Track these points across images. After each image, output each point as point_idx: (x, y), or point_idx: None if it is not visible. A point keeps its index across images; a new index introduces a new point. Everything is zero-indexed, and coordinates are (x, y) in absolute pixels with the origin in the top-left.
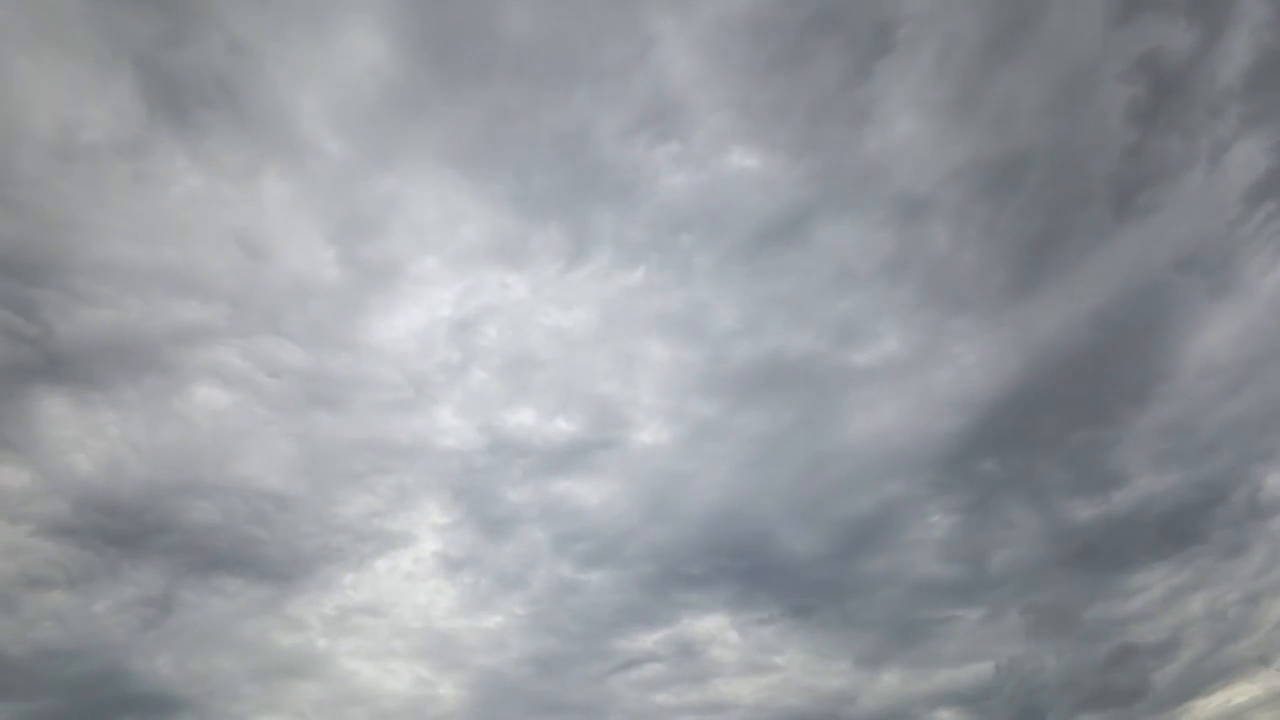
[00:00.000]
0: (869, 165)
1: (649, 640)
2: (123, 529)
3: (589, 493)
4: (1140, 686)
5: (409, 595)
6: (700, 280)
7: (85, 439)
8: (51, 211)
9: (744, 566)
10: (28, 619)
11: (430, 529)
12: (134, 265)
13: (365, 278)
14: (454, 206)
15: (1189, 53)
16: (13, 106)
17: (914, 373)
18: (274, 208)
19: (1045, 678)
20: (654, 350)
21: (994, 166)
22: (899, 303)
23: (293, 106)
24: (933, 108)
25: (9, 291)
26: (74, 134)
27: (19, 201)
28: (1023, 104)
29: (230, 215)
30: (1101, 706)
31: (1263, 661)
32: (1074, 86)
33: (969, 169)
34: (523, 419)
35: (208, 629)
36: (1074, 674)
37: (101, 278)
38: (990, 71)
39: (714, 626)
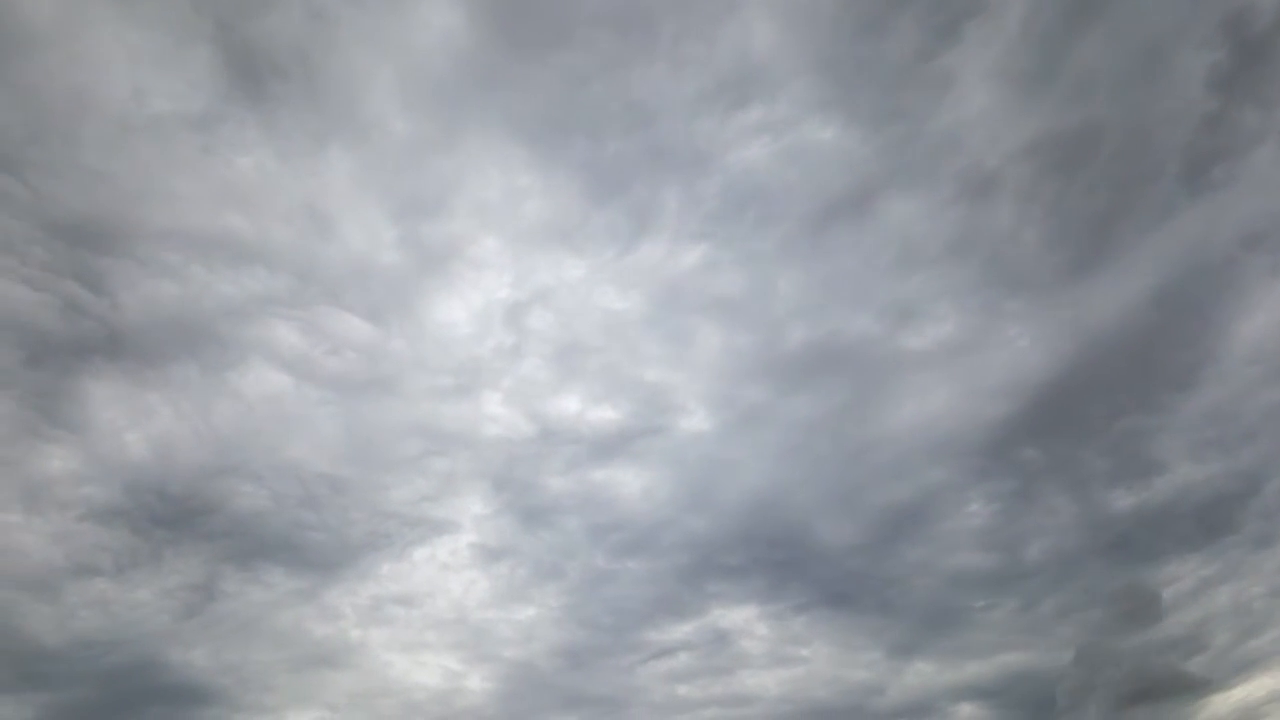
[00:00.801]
0: (943, 137)
1: (679, 632)
2: (169, 515)
3: (630, 480)
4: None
5: (444, 585)
6: (761, 261)
7: (138, 420)
8: (121, 181)
9: (778, 557)
10: (69, 608)
11: (470, 518)
12: (199, 235)
13: (424, 259)
14: (518, 185)
15: (1275, 14)
16: (86, 75)
17: (967, 356)
18: (339, 183)
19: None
20: (707, 334)
21: (1066, 140)
22: (959, 284)
23: (365, 79)
24: (1012, 77)
25: (77, 261)
26: (145, 103)
27: (89, 170)
28: (1101, 73)
29: (295, 189)
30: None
31: None
32: (1154, 53)
33: (1042, 143)
34: (569, 406)
35: (245, 619)
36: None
37: (167, 247)
38: (1072, 38)
39: (744, 618)
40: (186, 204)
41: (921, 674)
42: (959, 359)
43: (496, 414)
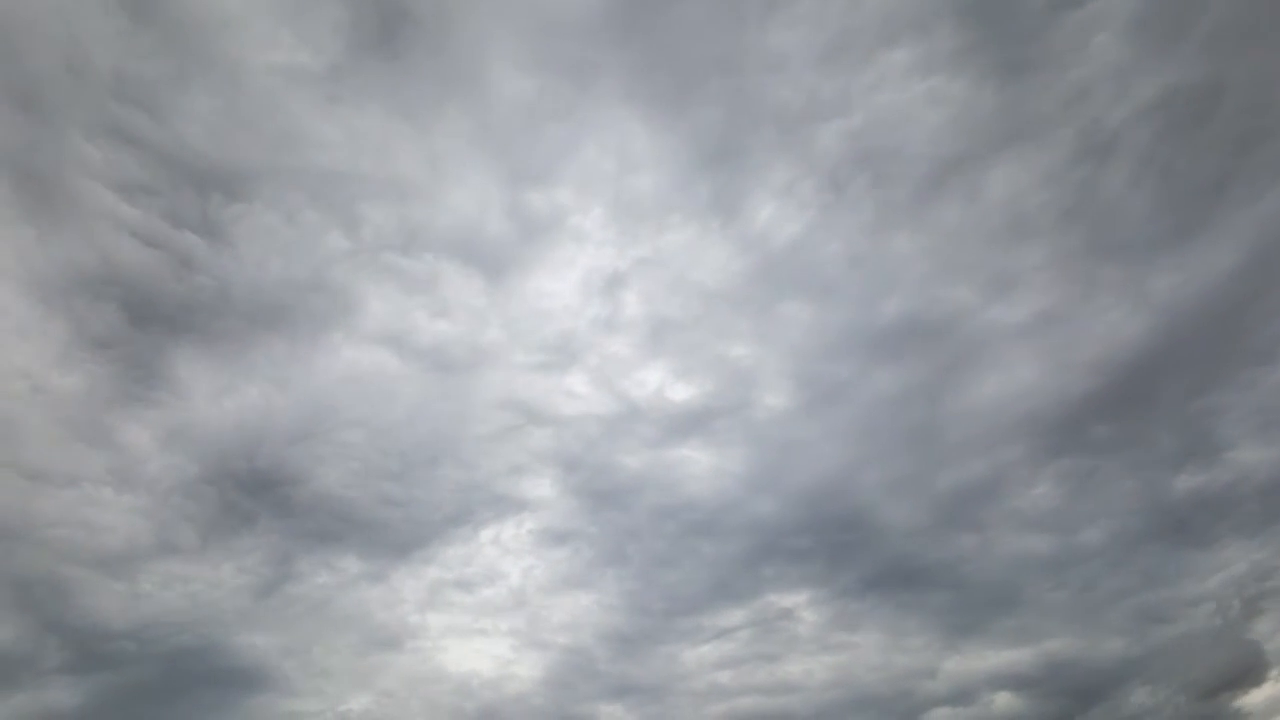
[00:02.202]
0: (1069, 94)
1: (730, 618)
2: (253, 491)
3: (703, 460)
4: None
5: (504, 570)
6: (862, 232)
7: (231, 389)
8: (251, 127)
9: (838, 540)
10: (143, 586)
11: (538, 500)
12: (320, 182)
13: (529, 228)
14: (630, 152)
15: None
16: (208, 28)
17: (1059, 329)
18: (455, 145)
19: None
20: (799, 308)
21: (1190, 97)
22: (1062, 252)
23: (489, 37)
24: (1149, 28)
25: (201, 209)
26: (278, 51)
27: (225, 116)
28: (1235, 22)
29: (412, 149)
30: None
31: None
32: None
33: (1166, 100)
34: (651, 383)
35: (315, 601)
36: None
37: (290, 192)
38: None
39: (797, 603)
40: (312, 151)
41: (967, 661)
42: (1051, 332)
43: (580, 391)
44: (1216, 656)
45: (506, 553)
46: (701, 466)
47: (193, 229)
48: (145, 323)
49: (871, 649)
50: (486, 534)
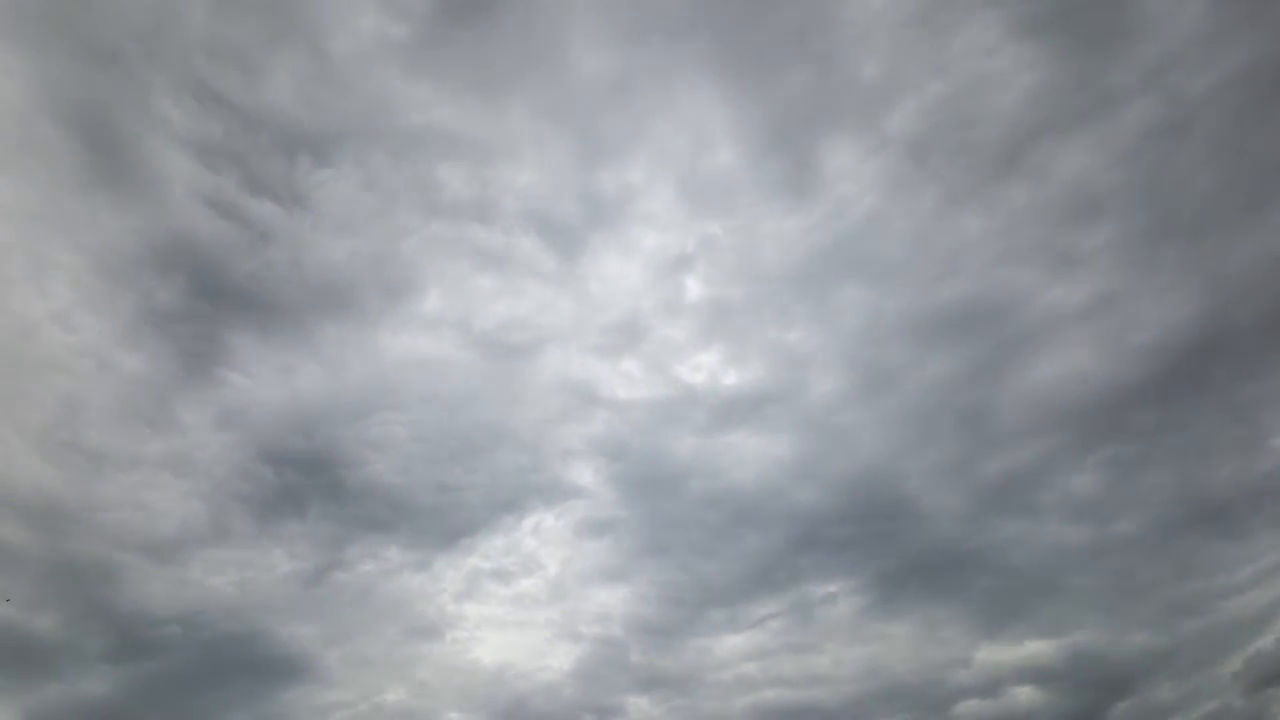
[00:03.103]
0: (1148, 67)
1: (764, 609)
2: (302, 481)
3: (751, 447)
4: None
5: (545, 561)
6: (928, 214)
7: (283, 375)
8: (342, 91)
9: (877, 530)
10: (188, 576)
11: (584, 488)
12: (397, 153)
13: (598, 208)
14: (705, 132)
15: None
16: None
17: (1117, 313)
18: (527, 120)
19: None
20: (857, 292)
21: (1268, 71)
22: (1126, 233)
23: (569, 10)
24: None
25: (286, 171)
26: (367, 23)
27: (320, 80)
28: None
29: (486, 122)
30: None
31: None
32: None
33: (1248, 74)
34: (706, 369)
35: (357, 591)
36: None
37: (367, 160)
38: None
39: (831, 593)
40: (394, 118)
41: (998, 652)
42: (1108, 315)
43: (635, 375)
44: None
45: (546, 543)
46: (749, 453)
47: (272, 197)
48: (213, 299)
49: (904, 640)
50: (528, 523)
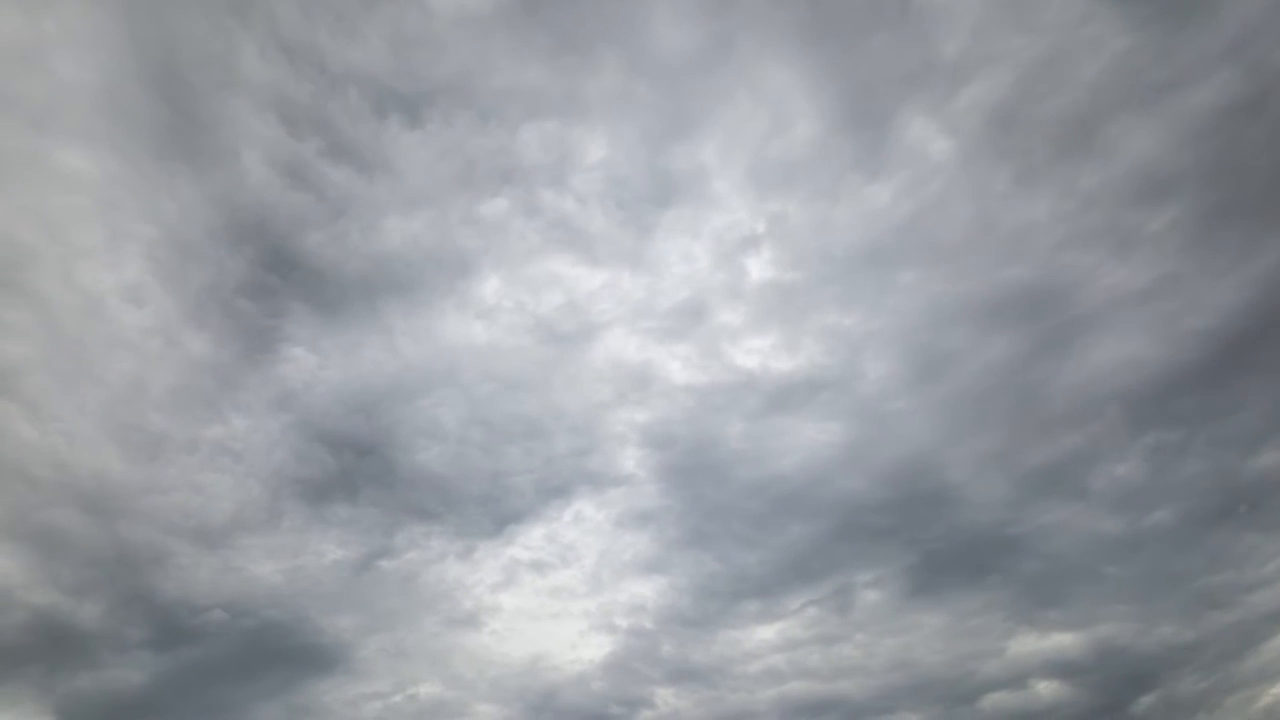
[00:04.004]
0: (1227, 40)
1: (798, 599)
2: (354, 467)
3: (800, 435)
4: None
5: (584, 551)
6: (996, 196)
7: (344, 356)
8: (417, 58)
9: (917, 519)
10: (233, 562)
11: (628, 477)
12: (483, 113)
13: (667, 189)
14: (780, 110)
15: None
16: None
17: (1175, 297)
18: (601, 97)
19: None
20: (918, 276)
21: None
22: (1189, 215)
23: None
24: None
25: (367, 137)
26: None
27: (406, 42)
28: None
29: (563, 94)
30: None
31: None
32: None
33: None
34: (760, 354)
35: (400, 580)
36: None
37: (454, 120)
38: None
39: (864, 583)
40: (478, 81)
41: (1024, 645)
42: (1166, 299)
43: (690, 360)
44: None
45: (587, 533)
46: (798, 440)
47: (353, 164)
48: (282, 273)
49: (935, 631)
50: (570, 513)
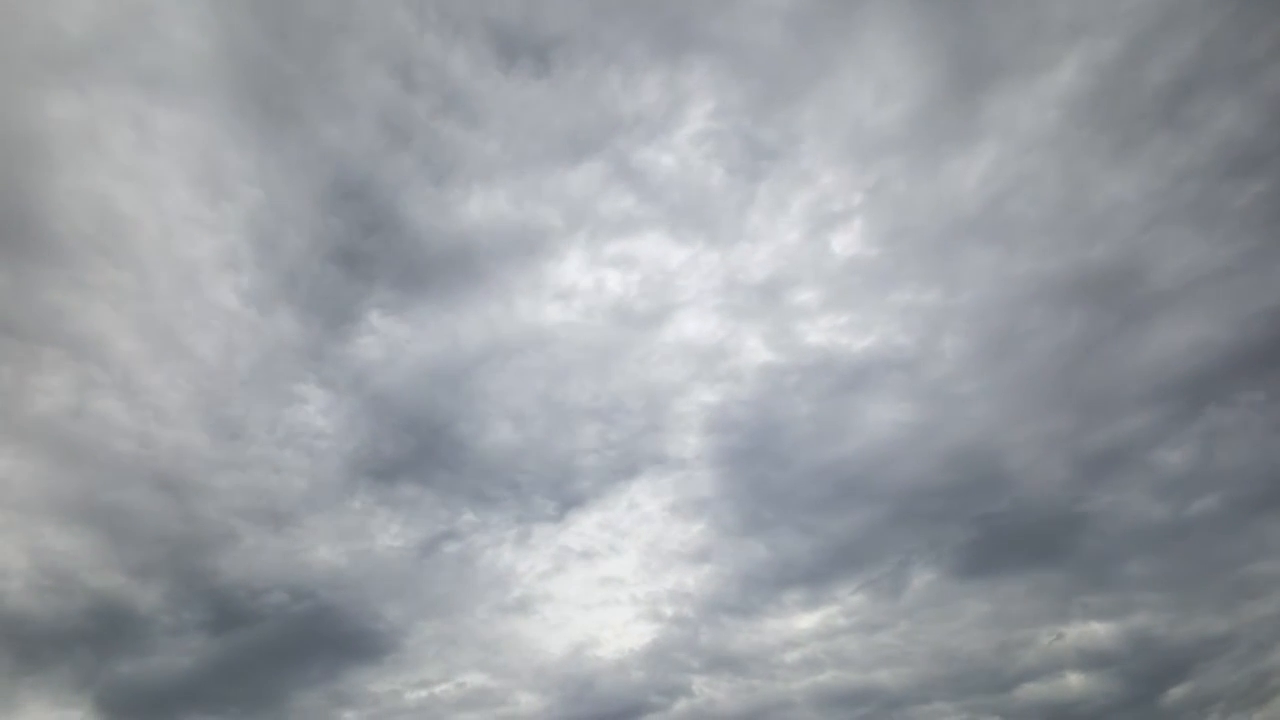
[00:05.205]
0: None
1: (843, 588)
2: (422, 451)
3: (867, 416)
4: None
5: (637, 538)
6: (1084, 172)
7: (415, 336)
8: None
9: (969, 505)
10: (298, 545)
11: (688, 461)
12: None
13: (761, 159)
14: (878, 83)
15: None
16: None
17: (1249, 276)
18: (699, 78)
19: None
20: (1000, 254)
21: None
22: (1273, 193)
23: None
24: None
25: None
26: None
27: None
28: None
29: (664, 55)
30: None
31: None
32: None
33: None
34: (835, 334)
35: (458, 566)
36: None
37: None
38: None
39: (910, 571)
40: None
41: (1069, 633)
42: (1241, 278)
43: (765, 340)
44: None
45: (640, 521)
46: (865, 422)
47: (465, 120)
48: (380, 240)
49: (975, 620)
50: (625, 500)
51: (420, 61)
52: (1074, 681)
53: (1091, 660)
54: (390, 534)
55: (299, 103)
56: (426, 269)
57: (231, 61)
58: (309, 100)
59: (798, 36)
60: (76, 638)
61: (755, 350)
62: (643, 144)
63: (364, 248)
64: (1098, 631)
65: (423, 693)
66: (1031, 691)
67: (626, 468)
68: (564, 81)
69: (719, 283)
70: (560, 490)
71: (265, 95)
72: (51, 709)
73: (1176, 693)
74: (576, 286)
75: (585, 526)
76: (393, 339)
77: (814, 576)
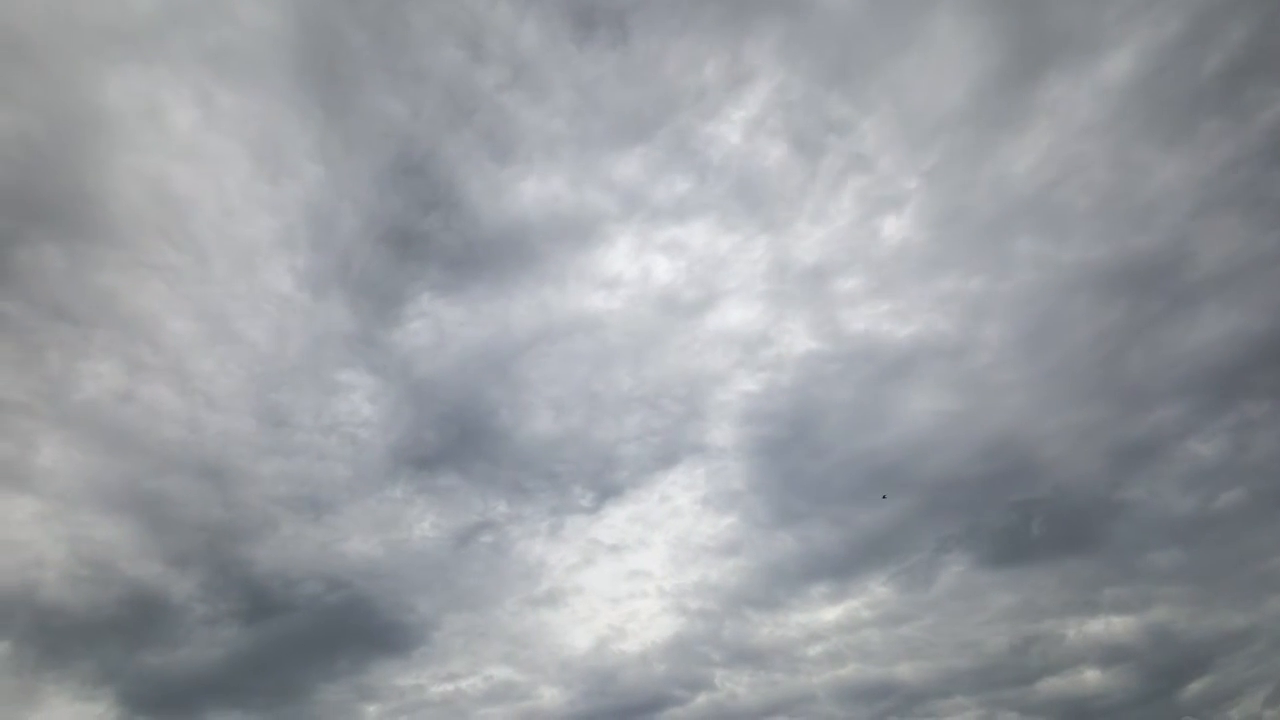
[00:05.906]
0: None
1: (868, 580)
2: (459, 438)
3: (906, 404)
4: None
5: (667, 532)
6: (1123, 164)
7: (460, 325)
8: None
9: (997, 497)
10: (335, 536)
11: (724, 450)
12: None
13: (820, 139)
14: (945, 58)
15: None
16: None
17: None
18: (765, 58)
19: None
20: (1047, 244)
21: None
22: None
23: None
24: None
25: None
26: None
27: None
28: None
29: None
30: None
31: None
32: None
33: None
34: (877, 321)
35: (491, 557)
36: None
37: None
38: None
39: (935, 564)
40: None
41: (1084, 629)
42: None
43: (808, 328)
44: None
45: (670, 515)
46: (904, 410)
47: (532, 93)
48: (437, 220)
49: (998, 613)
50: (656, 494)
51: (491, 30)
52: (1093, 676)
53: (1111, 654)
54: (427, 524)
55: (364, 75)
56: (483, 249)
57: (299, 34)
58: (375, 73)
59: (871, 6)
60: (107, 629)
61: (798, 338)
62: (705, 119)
63: (420, 227)
64: (1117, 625)
65: (448, 686)
66: (1052, 686)
67: (666, 456)
68: (633, 54)
69: (765, 268)
70: (599, 480)
71: (331, 67)
72: (72, 703)
73: (1195, 687)
74: (623, 275)
75: (617, 519)
76: (444, 322)
77: (842, 568)
